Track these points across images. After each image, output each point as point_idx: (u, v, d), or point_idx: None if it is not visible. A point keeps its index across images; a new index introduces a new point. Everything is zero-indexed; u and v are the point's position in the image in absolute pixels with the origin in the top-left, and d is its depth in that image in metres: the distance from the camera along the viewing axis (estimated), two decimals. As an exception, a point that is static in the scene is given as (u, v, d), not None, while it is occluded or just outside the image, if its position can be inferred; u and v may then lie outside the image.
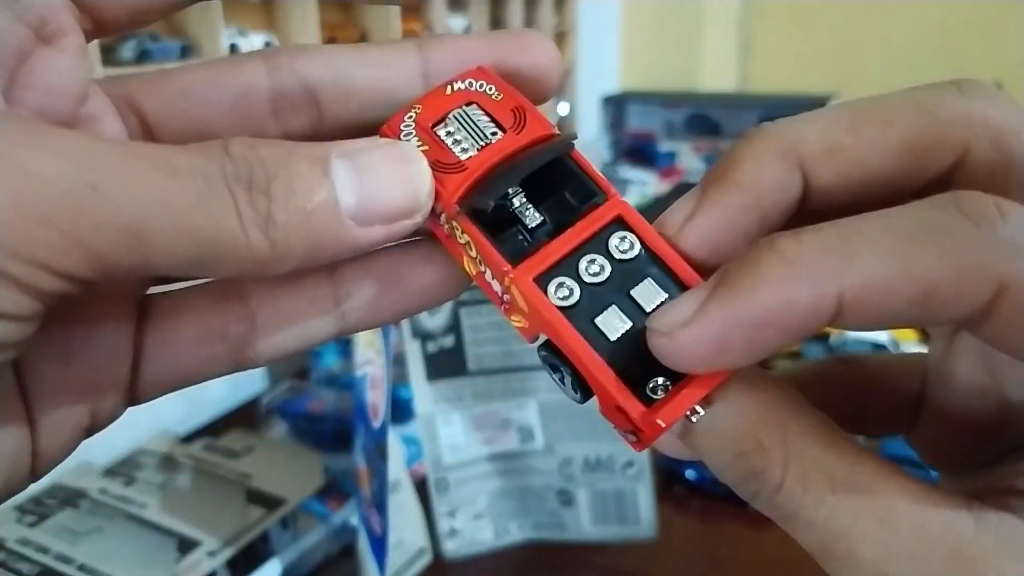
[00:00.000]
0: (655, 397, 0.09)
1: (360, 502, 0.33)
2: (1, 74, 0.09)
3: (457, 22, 0.97)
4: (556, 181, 0.10)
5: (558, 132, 0.11)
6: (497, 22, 1.03)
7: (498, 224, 0.10)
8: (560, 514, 0.36)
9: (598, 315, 0.09)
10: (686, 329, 0.09)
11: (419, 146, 0.10)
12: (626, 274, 0.10)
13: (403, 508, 0.34)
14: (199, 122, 0.11)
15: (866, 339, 0.53)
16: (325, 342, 0.11)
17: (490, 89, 0.10)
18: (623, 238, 0.10)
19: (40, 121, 0.09)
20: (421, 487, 0.36)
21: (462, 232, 0.10)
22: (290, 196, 0.09)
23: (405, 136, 0.10)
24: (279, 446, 0.43)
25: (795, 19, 1.41)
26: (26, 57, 0.09)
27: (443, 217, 0.10)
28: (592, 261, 0.10)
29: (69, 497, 0.37)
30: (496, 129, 0.10)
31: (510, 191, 0.10)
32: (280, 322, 0.11)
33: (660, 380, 0.09)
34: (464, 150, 0.10)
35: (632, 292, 0.10)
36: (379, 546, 0.31)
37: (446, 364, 0.35)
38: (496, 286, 0.10)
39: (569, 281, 0.09)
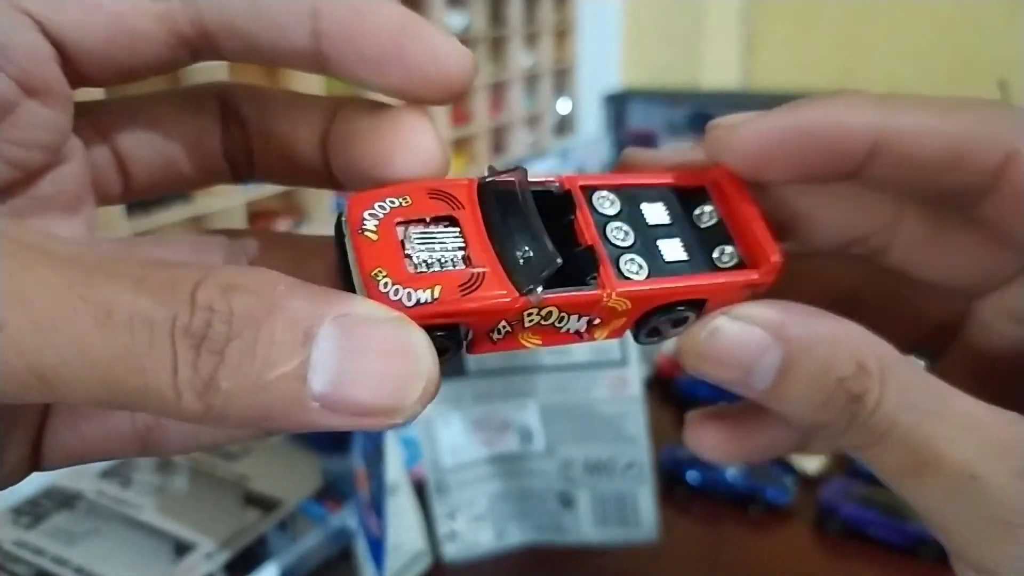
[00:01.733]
0: (734, 263, 0.11)
1: (358, 504, 0.33)
2: None
3: (457, 19, 0.96)
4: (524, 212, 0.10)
5: (483, 177, 0.10)
6: (497, 19, 1.02)
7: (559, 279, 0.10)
8: (560, 516, 0.36)
9: (663, 257, 0.11)
10: (745, 123, 0.10)
11: (432, 295, 0.09)
12: (633, 218, 0.11)
13: (402, 510, 0.34)
14: (166, 155, 0.11)
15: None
16: (245, 441, 0.11)
17: (394, 202, 0.09)
18: (603, 196, 0.11)
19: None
20: (420, 489, 0.36)
21: (541, 310, 0.09)
22: (246, 363, 0.07)
23: (412, 300, 0.09)
24: (276, 448, 0.42)
25: (798, 16, 1.40)
26: (11, 109, 0.09)
27: (498, 326, 0.09)
28: (615, 231, 0.11)
29: (65, 499, 0.36)
30: (448, 223, 0.09)
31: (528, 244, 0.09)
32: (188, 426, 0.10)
33: (722, 248, 0.11)
34: (455, 258, 0.09)
35: (650, 223, 0.11)
36: (377, 548, 0.31)
37: (446, 365, 0.34)
38: (579, 324, 0.10)
39: (628, 258, 0.10)
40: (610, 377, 0.34)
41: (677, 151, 0.12)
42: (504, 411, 0.35)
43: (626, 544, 0.36)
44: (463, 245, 0.09)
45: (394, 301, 0.09)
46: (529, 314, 0.09)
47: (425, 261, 0.09)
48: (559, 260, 0.09)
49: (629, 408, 0.34)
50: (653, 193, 0.11)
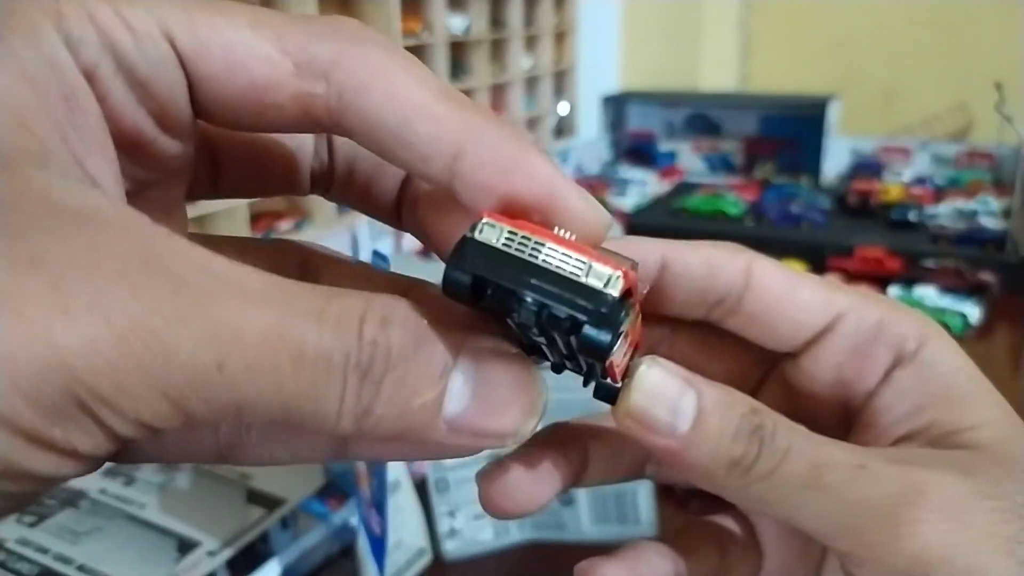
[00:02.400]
0: None
1: (360, 502, 0.33)
2: (105, 163, 0.09)
3: (457, 21, 0.97)
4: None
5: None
6: (497, 21, 1.03)
7: None
8: (560, 514, 0.36)
9: None
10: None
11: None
12: None
13: (403, 508, 0.34)
14: (260, 163, 0.11)
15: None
16: (317, 463, 0.11)
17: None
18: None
19: (201, 275, 0.08)
20: (421, 487, 0.36)
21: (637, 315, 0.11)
22: (397, 392, 0.08)
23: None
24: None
25: (795, 19, 1.41)
26: (142, 145, 0.09)
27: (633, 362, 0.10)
28: None
29: (69, 497, 0.37)
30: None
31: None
32: (275, 440, 0.10)
33: None
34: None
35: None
36: (378, 546, 0.31)
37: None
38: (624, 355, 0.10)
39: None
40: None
41: None
42: (504, 410, 0.35)
43: (625, 541, 0.36)
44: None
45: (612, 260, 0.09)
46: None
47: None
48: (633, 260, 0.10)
49: (628, 407, 0.34)
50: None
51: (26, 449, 0.07)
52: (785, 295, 0.12)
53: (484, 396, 0.09)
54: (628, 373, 0.10)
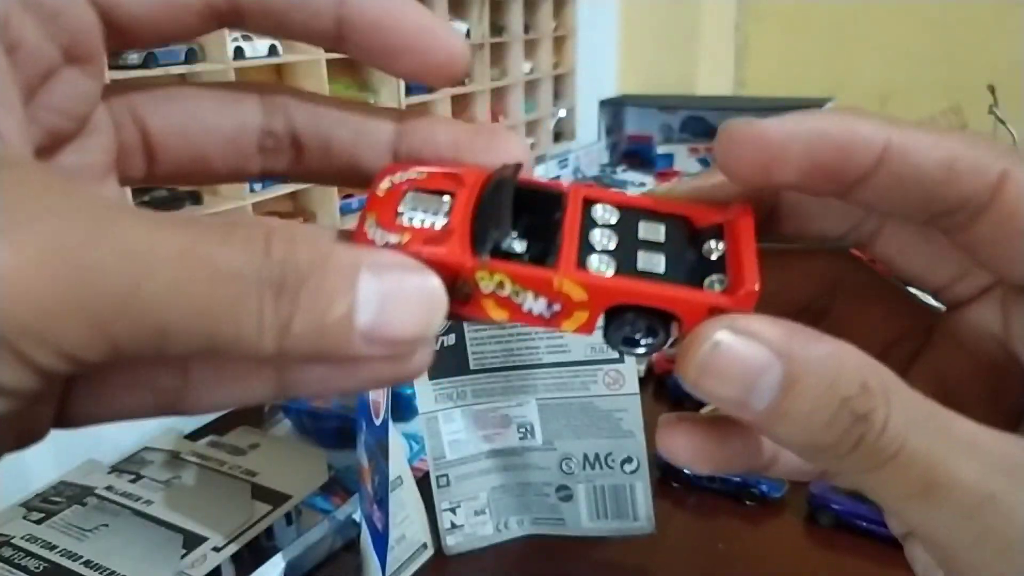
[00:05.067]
0: (721, 288, 0.10)
1: (363, 498, 0.34)
2: (20, 92, 0.09)
3: (457, 26, 0.98)
4: (520, 205, 0.11)
5: (498, 168, 0.11)
6: (497, 27, 1.04)
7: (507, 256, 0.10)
8: (560, 509, 0.37)
9: (636, 264, 0.11)
10: (760, 122, 0.10)
11: (400, 240, 0.10)
12: (624, 230, 0.11)
13: (405, 504, 0.35)
14: (197, 147, 0.11)
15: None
16: (260, 403, 0.11)
17: (414, 174, 0.11)
18: (604, 208, 0.11)
19: (107, 205, 0.08)
20: (424, 483, 0.37)
21: (491, 276, 0.10)
22: (313, 307, 0.09)
23: (383, 240, 0.10)
24: (284, 443, 0.43)
25: (791, 23, 1.42)
26: (51, 76, 0.09)
27: (459, 284, 0.10)
28: (600, 235, 0.11)
29: (76, 494, 0.37)
30: (446, 194, 0.11)
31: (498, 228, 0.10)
32: (216, 381, 0.10)
33: (715, 277, 0.11)
34: (436, 221, 0.10)
35: (641, 237, 0.11)
36: (381, 541, 0.31)
37: (448, 362, 0.35)
38: (539, 306, 0.10)
39: (597, 255, 0.11)
40: (607, 374, 0.35)
41: (698, 179, 0.12)
42: (504, 407, 0.36)
43: (623, 536, 0.36)
44: (448, 213, 0.10)
45: (369, 239, 0.10)
46: (482, 278, 0.10)
47: (410, 217, 0.10)
48: (511, 233, 0.10)
49: (626, 404, 0.35)
50: (659, 217, 0.11)
51: None
52: None
53: (391, 304, 0.09)
54: (694, 335, 0.10)
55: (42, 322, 0.07)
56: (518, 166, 0.11)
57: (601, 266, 0.10)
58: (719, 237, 0.11)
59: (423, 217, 0.10)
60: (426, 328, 0.09)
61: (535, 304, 0.10)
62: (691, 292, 0.10)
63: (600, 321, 0.11)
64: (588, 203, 0.11)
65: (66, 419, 0.10)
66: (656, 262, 0.11)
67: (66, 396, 0.10)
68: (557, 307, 0.10)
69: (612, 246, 0.11)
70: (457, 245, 0.10)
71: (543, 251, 0.11)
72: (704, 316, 0.10)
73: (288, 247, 0.09)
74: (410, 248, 0.10)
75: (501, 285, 0.10)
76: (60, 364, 0.08)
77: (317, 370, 0.10)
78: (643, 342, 0.11)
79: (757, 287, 0.10)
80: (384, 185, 0.11)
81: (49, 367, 0.08)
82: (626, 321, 0.10)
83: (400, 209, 0.10)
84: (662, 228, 0.11)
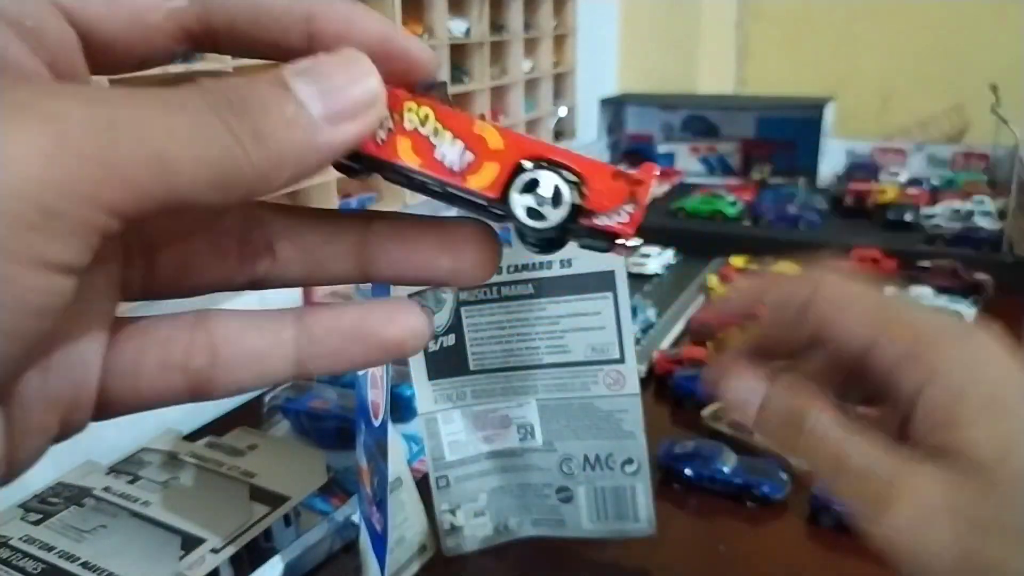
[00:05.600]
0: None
1: (362, 500, 0.33)
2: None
3: (457, 25, 0.97)
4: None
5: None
6: (497, 25, 1.03)
7: None
8: (560, 511, 0.37)
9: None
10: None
11: None
12: None
13: (405, 505, 0.35)
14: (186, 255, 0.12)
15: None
16: (281, 382, 0.12)
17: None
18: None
19: (45, 78, 0.10)
20: (423, 484, 0.36)
21: (419, 108, 0.11)
22: (266, 112, 0.09)
23: None
24: (282, 444, 0.43)
25: (792, 22, 1.42)
26: None
27: (385, 121, 0.11)
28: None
29: (73, 495, 0.37)
30: None
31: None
32: (240, 361, 0.11)
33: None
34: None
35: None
36: (380, 543, 0.31)
37: (447, 363, 0.35)
38: (453, 152, 0.11)
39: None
40: (608, 374, 0.35)
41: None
42: (504, 408, 0.36)
43: (624, 538, 0.36)
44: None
45: None
46: (409, 108, 0.11)
47: None
48: (443, 80, 0.11)
49: (627, 404, 0.35)
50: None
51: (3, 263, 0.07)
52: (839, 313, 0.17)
53: (329, 85, 0.10)
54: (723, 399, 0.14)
55: (57, 172, 0.08)
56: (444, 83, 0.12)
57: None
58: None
59: None
60: (369, 84, 0.10)
61: (450, 150, 0.11)
62: (595, 160, 0.11)
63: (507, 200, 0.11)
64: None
65: (104, 408, 0.11)
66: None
67: (103, 386, 0.10)
68: (469, 156, 0.11)
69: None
70: (392, 89, 0.11)
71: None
72: (608, 182, 0.11)
73: (216, 81, 0.10)
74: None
75: (424, 121, 0.11)
76: (96, 216, 0.08)
77: (330, 343, 0.11)
78: (545, 211, 0.11)
79: (655, 172, 0.11)
80: None
81: (89, 220, 0.08)
82: (532, 181, 0.11)
83: None
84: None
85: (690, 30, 1.37)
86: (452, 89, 0.96)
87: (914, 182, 0.97)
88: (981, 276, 0.66)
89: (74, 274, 0.08)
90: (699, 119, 1.20)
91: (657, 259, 0.72)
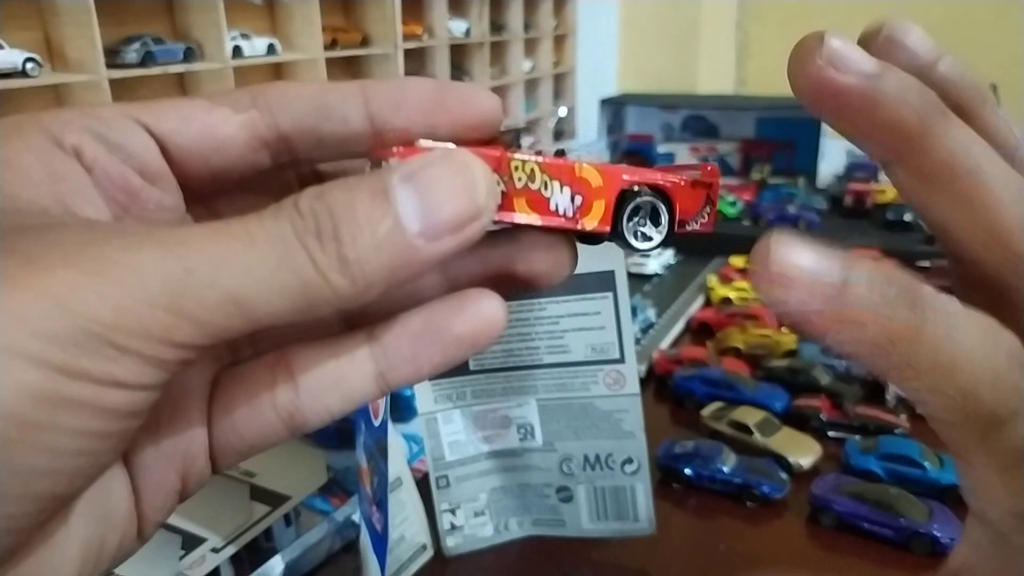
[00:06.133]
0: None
1: (362, 499, 0.33)
2: (112, 206, 0.11)
3: (457, 25, 0.97)
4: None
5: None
6: (497, 25, 1.03)
7: None
8: (560, 510, 0.37)
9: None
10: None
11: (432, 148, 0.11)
12: None
13: (405, 505, 0.35)
14: (217, 165, 0.12)
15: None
16: (371, 400, 0.12)
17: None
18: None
19: (134, 222, 0.11)
20: (423, 484, 0.37)
21: (524, 164, 0.11)
22: (358, 234, 0.09)
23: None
24: (283, 445, 0.43)
25: (792, 22, 1.42)
26: (137, 195, 0.11)
27: (498, 181, 0.11)
28: None
29: (74, 495, 0.37)
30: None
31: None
32: (322, 387, 0.12)
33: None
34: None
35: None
36: (380, 542, 0.31)
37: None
38: (564, 200, 0.12)
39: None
40: (608, 374, 0.35)
41: None
42: (504, 408, 0.36)
43: (624, 537, 0.36)
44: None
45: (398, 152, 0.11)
46: (516, 167, 0.11)
47: (431, 145, 0.12)
48: (518, 127, 0.12)
49: (626, 405, 0.35)
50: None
51: (64, 379, 0.08)
52: None
53: (431, 192, 0.10)
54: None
55: (122, 317, 0.09)
56: (517, 132, 0.13)
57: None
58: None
59: (443, 143, 0.12)
60: (475, 195, 0.10)
61: (562, 198, 0.12)
62: (673, 174, 0.13)
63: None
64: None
65: (220, 457, 0.11)
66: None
67: (211, 436, 0.11)
68: (579, 199, 0.12)
69: None
70: (491, 148, 0.11)
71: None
72: (689, 192, 0.13)
73: (315, 200, 0.10)
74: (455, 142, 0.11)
75: (532, 175, 0.11)
76: (169, 351, 0.09)
77: (402, 349, 0.11)
78: (650, 232, 0.13)
79: (714, 167, 0.13)
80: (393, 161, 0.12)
81: (161, 356, 0.09)
82: (634, 208, 0.12)
83: (419, 144, 0.12)
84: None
85: (690, 30, 1.37)
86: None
87: (914, 182, 0.97)
88: (980, 276, 0.66)
89: (154, 389, 0.09)
90: (699, 119, 1.20)
91: (657, 259, 0.73)
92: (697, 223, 0.13)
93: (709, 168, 0.13)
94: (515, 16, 1.08)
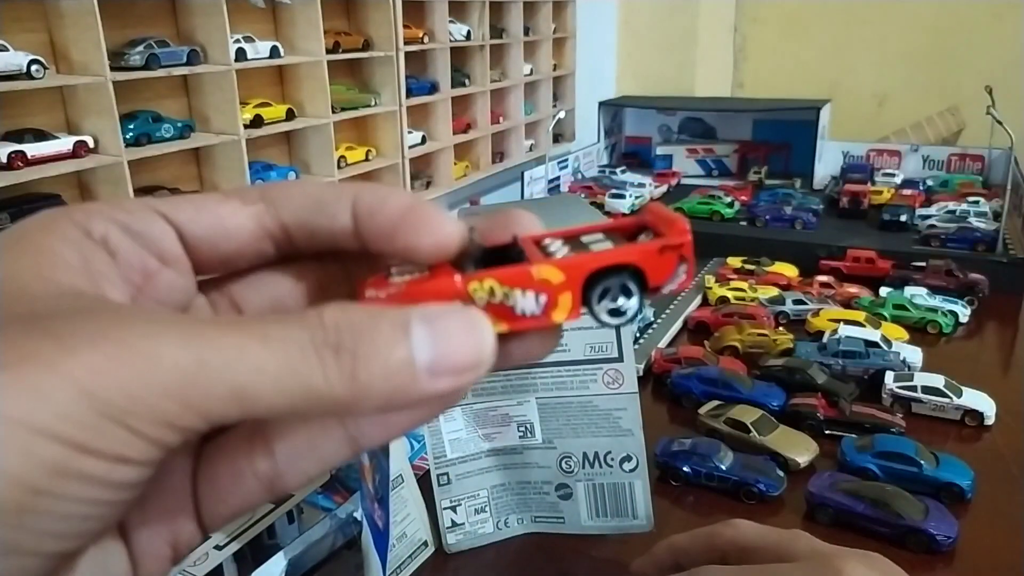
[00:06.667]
0: (655, 236, 0.13)
1: (364, 496, 0.34)
2: (129, 287, 0.12)
3: (458, 28, 0.98)
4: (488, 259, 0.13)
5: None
6: (497, 29, 1.04)
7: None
8: (559, 507, 0.37)
9: (588, 247, 0.13)
10: None
11: (399, 286, 0.12)
12: (573, 242, 0.13)
13: (407, 502, 0.35)
14: (230, 257, 0.14)
15: (858, 337, 0.54)
16: (345, 462, 0.13)
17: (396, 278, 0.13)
18: (551, 240, 0.13)
19: (156, 310, 0.12)
20: (424, 481, 0.37)
21: (482, 284, 0.12)
22: (373, 356, 0.10)
23: (384, 293, 0.12)
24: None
25: (788, 25, 1.43)
26: (152, 276, 0.13)
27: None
28: (554, 246, 0.13)
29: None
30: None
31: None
32: (298, 453, 0.12)
33: (647, 233, 0.13)
34: (420, 273, 0.12)
35: (585, 241, 0.13)
36: (381, 539, 0.32)
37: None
38: (529, 303, 0.12)
39: (556, 249, 0.13)
40: (606, 373, 0.35)
41: None
42: (504, 406, 0.36)
43: (622, 534, 0.37)
44: (427, 269, 0.12)
45: (373, 297, 0.12)
46: (475, 290, 0.12)
47: (399, 277, 0.12)
48: (484, 246, 0.12)
49: (625, 403, 0.35)
50: (596, 230, 0.14)
51: (78, 456, 0.09)
52: None
53: (445, 338, 0.11)
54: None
55: (134, 403, 0.09)
56: (471, 228, 0.13)
57: (563, 250, 0.13)
58: (647, 230, 0.13)
59: (409, 274, 0.12)
60: (481, 351, 0.11)
61: (526, 302, 0.12)
62: (640, 244, 0.13)
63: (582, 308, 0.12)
64: (538, 241, 0.13)
65: (208, 524, 0.12)
66: (603, 243, 0.13)
67: (198, 504, 0.12)
68: (544, 298, 0.12)
69: (566, 249, 0.13)
70: (445, 274, 0.12)
71: (511, 261, 0.12)
72: (669, 261, 0.12)
73: (341, 315, 0.10)
74: (410, 286, 0.12)
75: (492, 292, 0.12)
76: (170, 434, 0.10)
77: (372, 419, 0.12)
78: (624, 306, 0.12)
79: (685, 225, 0.12)
80: (369, 293, 0.12)
81: (163, 438, 0.10)
82: (603, 290, 0.12)
83: (389, 278, 0.12)
84: (600, 235, 0.13)
85: (688, 34, 1.38)
86: (453, 92, 0.96)
87: (909, 183, 0.98)
88: (976, 276, 0.67)
89: (154, 465, 0.10)
90: (696, 121, 1.20)
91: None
92: (674, 282, 0.12)
93: (678, 226, 0.12)
94: (515, 20, 1.09)
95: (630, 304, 0.12)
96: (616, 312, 0.12)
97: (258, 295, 0.14)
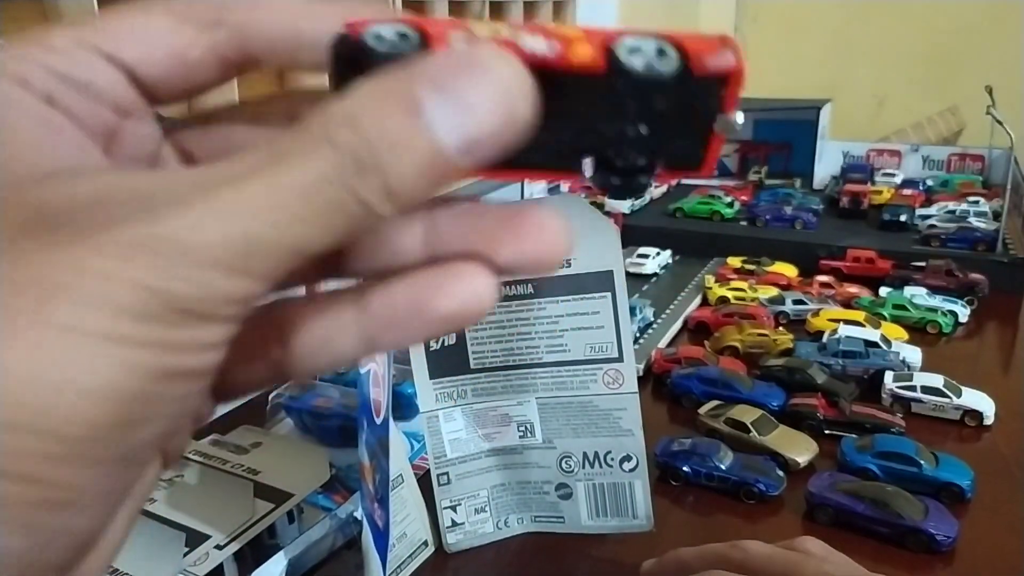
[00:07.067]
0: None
1: (364, 496, 0.34)
2: (95, 145, 0.11)
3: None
4: None
5: None
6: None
7: None
8: (559, 507, 0.37)
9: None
10: None
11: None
12: None
13: (407, 502, 0.35)
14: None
15: (858, 337, 0.54)
16: (356, 361, 0.12)
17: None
18: None
19: (163, 173, 0.11)
20: (424, 481, 0.37)
21: (489, 26, 0.10)
22: (397, 163, 0.09)
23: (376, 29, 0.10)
24: (286, 442, 0.43)
25: (789, 25, 1.43)
26: (115, 131, 0.11)
27: (457, 37, 0.10)
28: None
29: (78, 493, 0.37)
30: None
31: None
32: (312, 348, 0.12)
33: None
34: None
35: None
36: (381, 539, 0.32)
37: (448, 362, 0.36)
38: (538, 44, 0.10)
39: None
40: (607, 373, 0.35)
41: None
42: (504, 406, 0.36)
43: (623, 534, 0.37)
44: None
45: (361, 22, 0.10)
46: (475, 26, 0.10)
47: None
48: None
49: (625, 403, 0.35)
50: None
51: (165, 354, 0.09)
52: None
53: (466, 102, 0.09)
54: None
55: (206, 291, 0.09)
56: None
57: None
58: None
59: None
60: (513, 99, 0.09)
61: (534, 42, 0.10)
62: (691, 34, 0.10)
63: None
64: None
65: (221, 397, 0.12)
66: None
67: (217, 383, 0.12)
68: (556, 44, 0.10)
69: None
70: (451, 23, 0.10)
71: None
72: (698, 38, 0.10)
73: (351, 133, 0.09)
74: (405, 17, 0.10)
75: (497, 30, 0.10)
76: (239, 310, 0.09)
77: (390, 319, 0.11)
78: (659, 62, 0.10)
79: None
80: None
81: (233, 314, 0.09)
82: (635, 48, 0.10)
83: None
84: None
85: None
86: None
87: (909, 183, 0.98)
88: (976, 276, 0.67)
89: (231, 341, 0.10)
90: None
91: (655, 259, 0.73)
92: (720, 60, 0.10)
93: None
94: (515, 19, 1.09)
95: (665, 62, 0.10)
96: (649, 68, 0.10)
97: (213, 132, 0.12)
